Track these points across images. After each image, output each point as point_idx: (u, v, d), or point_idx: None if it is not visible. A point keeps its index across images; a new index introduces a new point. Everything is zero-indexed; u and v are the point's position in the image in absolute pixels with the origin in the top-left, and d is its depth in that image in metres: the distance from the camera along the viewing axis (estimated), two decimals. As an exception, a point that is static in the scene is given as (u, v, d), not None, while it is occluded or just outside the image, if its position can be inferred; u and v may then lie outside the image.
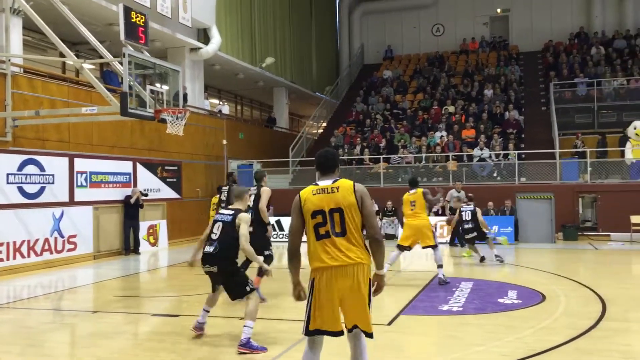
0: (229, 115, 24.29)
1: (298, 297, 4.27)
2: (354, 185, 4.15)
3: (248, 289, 6.16)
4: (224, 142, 20.60)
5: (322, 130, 27.40)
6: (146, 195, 15.65)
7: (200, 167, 19.60)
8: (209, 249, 6.21)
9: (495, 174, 19.08)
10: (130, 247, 15.39)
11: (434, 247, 10.05)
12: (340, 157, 21.26)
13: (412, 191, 10.35)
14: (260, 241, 8.22)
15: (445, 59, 28.95)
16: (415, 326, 7.29)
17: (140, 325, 7.86)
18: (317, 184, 4.19)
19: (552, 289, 9.46)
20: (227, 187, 12.75)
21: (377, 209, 18.85)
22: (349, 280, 4.02)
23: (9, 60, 12.62)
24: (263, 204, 8.61)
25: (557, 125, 20.26)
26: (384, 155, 20.51)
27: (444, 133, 21.43)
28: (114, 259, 14.65)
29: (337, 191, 4.10)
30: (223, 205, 11.72)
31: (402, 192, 19.07)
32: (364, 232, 4.17)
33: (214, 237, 6.23)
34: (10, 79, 12.57)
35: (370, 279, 4.12)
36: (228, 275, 6.23)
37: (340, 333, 4.15)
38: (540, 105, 23.67)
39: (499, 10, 30.77)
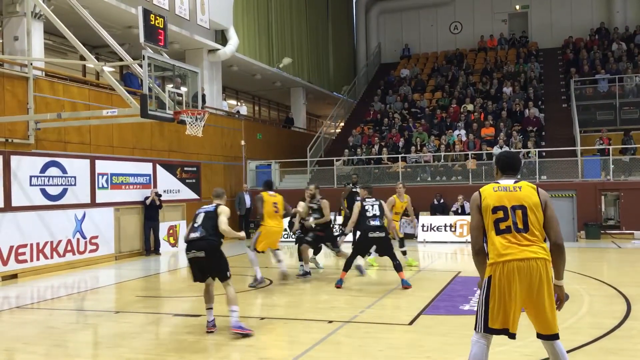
0: (247, 116, 24.39)
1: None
2: (537, 187, 4.22)
3: (229, 274, 6.85)
4: (242, 142, 20.70)
5: (339, 130, 27.38)
6: (160, 195, 15.70)
7: (219, 168, 19.70)
8: (194, 234, 6.82)
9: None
10: (150, 247, 15.52)
11: (276, 250, 10.92)
12: (358, 157, 21.27)
13: (272, 193, 10.52)
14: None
15: (463, 56, 28.74)
16: (436, 326, 7.25)
17: (162, 326, 7.92)
18: (498, 182, 4.23)
19: (575, 288, 9.34)
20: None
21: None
22: (530, 277, 3.97)
23: (31, 63, 12.81)
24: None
25: (578, 122, 19.99)
26: (402, 155, 20.43)
27: (463, 131, 21.27)
28: (135, 259, 14.79)
29: (520, 190, 4.14)
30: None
31: (421, 192, 19.05)
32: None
33: (195, 225, 6.93)
34: (32, 82, 12.76)
35: (552, 276, 4.07)
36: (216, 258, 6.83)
37: (514, 336, 4.11)
38: (561, 103, 23.37)
39: (517, 7, 30.44)
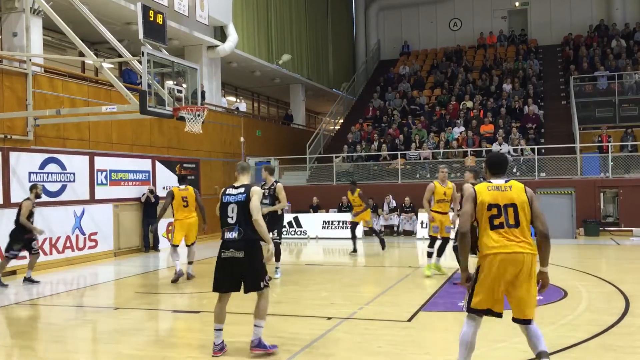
0: (246, 113, 24.37)
1: (466, 280, 4.65)
2: (524, 186, 4.65)
3: (262, 285, 5.79)
4: (242, 139, 20.66)
5: (339, 127, 27.37)
6: (153, 192, 15.67)
7: (218, 165, 19.69)
8: (232, 234, 5.76)
9: (514, 169, 18.89)
10: (149, 244, 15.53)
11: (192, 244, 10.88)
12: (358, 154, 21.27)
13: (183, 187, 10.76)
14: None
15: (462, 53, 28.71)
16: (435, 322, 7.26)
17: (161, 322, 7.93)
18: (490, 182, 4.68)
19: (574, 285, 9.36)
20: None
21: (395, 205, 18.79)
22: (519, 269, 4.42)
23: (30, 60, 12.78)
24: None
25: (577, 119, 20.00)
26: (402, 152, 20.42)
27: (462, 128, 21.26)
28: (134, 256, 14.79)
29: (511, 189, 4.58)
30: None
31: (421, 188, 18.99)
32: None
33: (231, 221, 5.81)
34: (31, 78, 12.73)
35: (536, 269, 4.52)
36: (252, 261, 5.76)
37: (501, 315, 4.56)
38: (560, 100, 23.37)
39: (517, 4, 30.43)
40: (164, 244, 15.90)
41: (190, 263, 10.84)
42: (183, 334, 6.88)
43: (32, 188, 10.83)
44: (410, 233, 18.20)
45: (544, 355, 4.55)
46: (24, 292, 10.15)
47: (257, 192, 5.83)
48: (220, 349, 5.86)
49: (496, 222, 4.48)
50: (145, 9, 10.93)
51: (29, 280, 10.72)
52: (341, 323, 7.12)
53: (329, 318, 7.34)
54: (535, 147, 18.81)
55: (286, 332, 6.72)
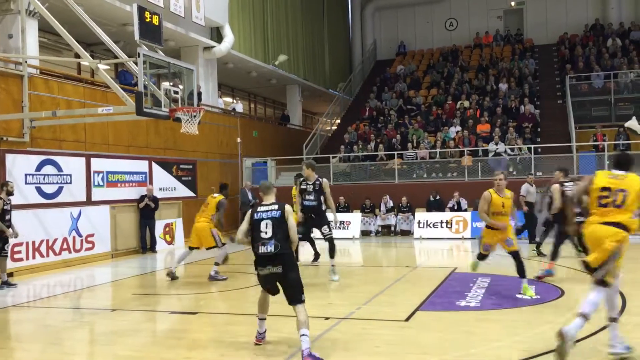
0: (243, 114, 24.35)
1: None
2: None
3: (303, 297, 5.87)
4: (238, 140, 20.67)
5: (335, 127, 27.37)
6: (152, 198, 15.59)
7: (214, 166, 19.69)
8: (267, 248, 5.86)
9: (511, 169, 18.92)
10: (147, 245, 15.50)
11: (212, 248, 10.77)
12: (355, 154, 21.29)
13: (216, 195, 11.01)
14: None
15: (459, 53, 28.75)
16: (432, 322, 7.26)
17: (158, 323, 7.92)
18: (611, 171, 5.60)
19: (570, 283, 9.37)
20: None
21: (392, 205, 18.80)
22: (605, 238, 5.31)
23: (26, 61, 12.75)
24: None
25: (573, 118, 20.04)
26: (398, 152, 20.44)
27: (459, 128, 21.29)
28: (131, 257, 14.76)
29: (626, 179, 5.46)
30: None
31: (417, 188, 19.04)
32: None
33: (265, 235, 5.91)
34: (27, 80, 12.70)
35: (620, 243, 5.35)
36: (291, 274, 5.92)
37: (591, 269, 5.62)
38: (556, 99, 23.41)
39: (513, 4, 30.48)
40: (161, 245, 15.89)
41: (216, 264, 10.68)
42: (180, 335, 6.87)
43: (2, 186, 10.43)
44: (407, 233, 18.21)
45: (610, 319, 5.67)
46: (21, 294, 10.13)
47: (291, 212, 6.04)
48: (262, 337, 6.25)
49: (604, 201, 5.41)
50: (141, 10, 10.93)
51: (6, 283, 10.48)
52: (339, 323, 7.12)
53: (327, 318, 7.34)
54: (532, 146, 18.85)
55: (283, 332, 6.72)
